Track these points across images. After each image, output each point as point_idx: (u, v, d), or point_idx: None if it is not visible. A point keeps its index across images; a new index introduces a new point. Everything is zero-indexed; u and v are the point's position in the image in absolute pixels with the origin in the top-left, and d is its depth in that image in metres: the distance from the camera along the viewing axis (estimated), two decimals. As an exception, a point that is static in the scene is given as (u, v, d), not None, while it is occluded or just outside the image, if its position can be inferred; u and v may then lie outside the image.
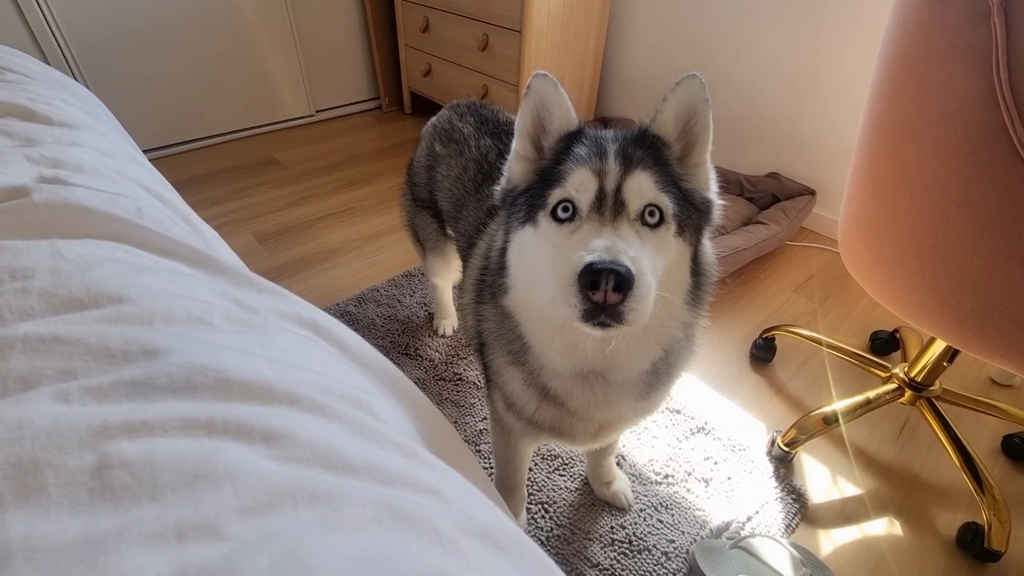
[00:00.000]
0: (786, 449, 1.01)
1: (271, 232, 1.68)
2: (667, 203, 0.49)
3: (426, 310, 1.37)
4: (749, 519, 0.93)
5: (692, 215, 0.52)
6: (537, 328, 0.56)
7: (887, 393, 1.01)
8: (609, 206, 0.47)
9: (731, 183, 1.82)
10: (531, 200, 0.53)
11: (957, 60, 0.62)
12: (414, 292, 1.43)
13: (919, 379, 1.00)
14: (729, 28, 1.73)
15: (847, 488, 1.00)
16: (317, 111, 2.47)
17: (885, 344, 1.25)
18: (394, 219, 1.76)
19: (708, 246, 0.57)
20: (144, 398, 0.27)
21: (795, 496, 0.97)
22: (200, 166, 2.06)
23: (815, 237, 1.72)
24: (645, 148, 0.52)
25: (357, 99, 2.58)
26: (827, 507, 0.97)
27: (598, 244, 0.44)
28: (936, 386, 1.00)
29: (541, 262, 0.50)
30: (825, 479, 1.01)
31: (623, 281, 0.41)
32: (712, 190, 0.56)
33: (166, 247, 0.41)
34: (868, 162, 0.79)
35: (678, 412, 1.12)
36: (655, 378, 0.59)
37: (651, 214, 0.48)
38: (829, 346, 1.17)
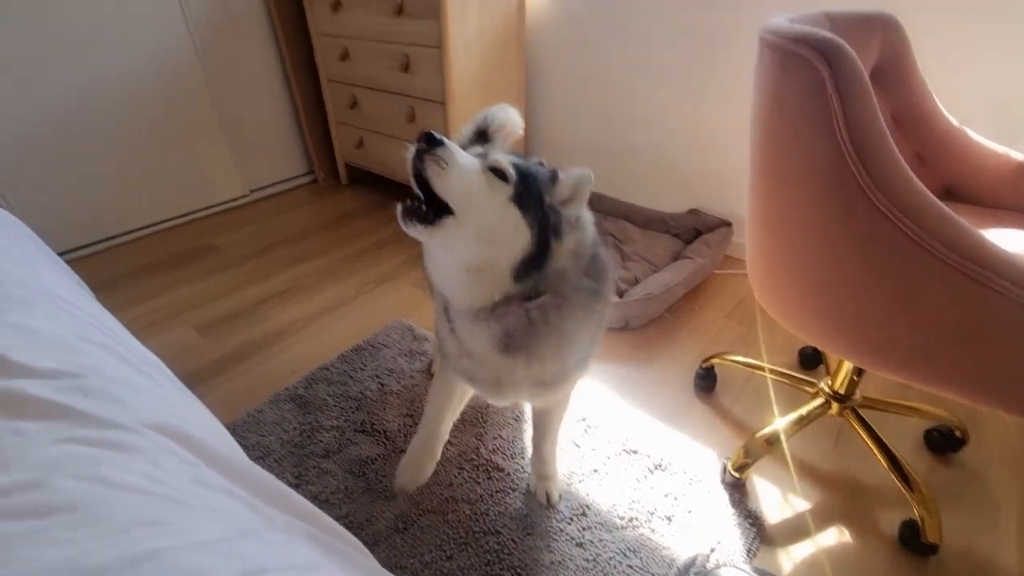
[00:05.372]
0: (737, 475, 1.06)
1: (212, 321, 1.64)
2: (509, 171, 0.64)
3: (378, 382, 1.37)
4: (712, 551, 0.97)
5: (537, 210, 0.65)
6: (428, 260, 0.74)
7: (816, 408, 1.10)
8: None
9: (656, 221, 1.95)
10: None
11: (807, 122, 0.73)
12: (365, 366, 1.43)
13: (842, 391, 1.09)
14: (632, 84, 1.91)
15: (798, 504, 1.06)
16: (251, 191, 2.47)
17: (811, 358, 1.36)
18: (339, 293, 1.76)
19: (569, 250, 0.70)
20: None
21: (752, 520, 1.02)
22: (128, 262, 1.99)
23: (738, 264, 1.85)
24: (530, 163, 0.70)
25: (291, 175, 2.60)
26: (782, 526, 1.02)
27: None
28: (857, 395, 1.09)
29: None
30: (777, 498, 1.07)
31: (432, 137, 0.59)
32: (574, 211, 0.70)
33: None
34: (756, 206, 0.89)
35: (635, 452, 1.16)
36: (509, 341, 0.72)
37: (496, 172, 0.64)
38: (760, 369, 1.25)
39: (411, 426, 1.24)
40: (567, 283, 0.71)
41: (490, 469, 1.14)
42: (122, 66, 1.94)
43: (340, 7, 2.03)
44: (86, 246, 2.03)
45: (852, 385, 1.07)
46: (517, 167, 0.66)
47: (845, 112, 0.68)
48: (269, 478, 0.40)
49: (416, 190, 0.64)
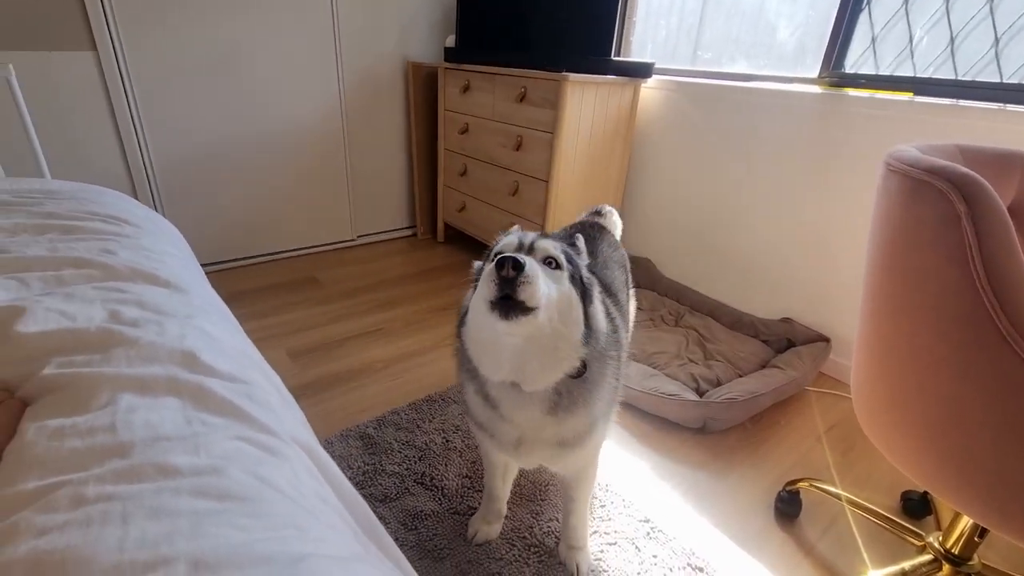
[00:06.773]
0: (820, 624, 0.94)
1: (303, 348, 1.77)
2: (562, 259, 0.74)
3: (444, 436, 1.38)
4: None
5: (579, 283, 0.76)
6: (475, 347, 0.77)
7: (923, 565, 0.96)
8: (525, 249, 0.74)
9: (744, 323, 1.88)
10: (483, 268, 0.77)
11: (938, 253, 0.70)
12: (433, 417, 1.45)
13: (956, 551, 0.95)
14: (735, 184, 1.93)
15: None
16: (358, 236, 2.71)
17: (917, 506, 1.20)
18: (419, 342, 1.84)
19: (599, 311, 0.80)
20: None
21: None
22: (244, 283, 2.23)
23: (834, 383, 1.72)
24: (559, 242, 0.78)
25: (395, 227, 2.84)
26: None
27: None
28: (975, 561, 0.94)
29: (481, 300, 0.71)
30: (867, 665, 0.92)
31: (516, 262, 0.62)
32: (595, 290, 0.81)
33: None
34: (869, 329, 0.84)
35: (701, 570, 1.06)
36: (559, 399, 0.77)
37: (547, 262, 0.72)
38: (856, 505, 1.12)
39: (468, 488, 1.23)
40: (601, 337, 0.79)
41: (541, 551, 1.09)
42: (286, 118, 2.30)
43: (469, 89, 2.28)
44: (214, 263, 2.31)
45: (971, 546, 0.93)
46: (565, 253, 0.76)
47: (981, 247, 0.66)
48: (369, 511, 0.43)
49: (497, 296, 0.66)
